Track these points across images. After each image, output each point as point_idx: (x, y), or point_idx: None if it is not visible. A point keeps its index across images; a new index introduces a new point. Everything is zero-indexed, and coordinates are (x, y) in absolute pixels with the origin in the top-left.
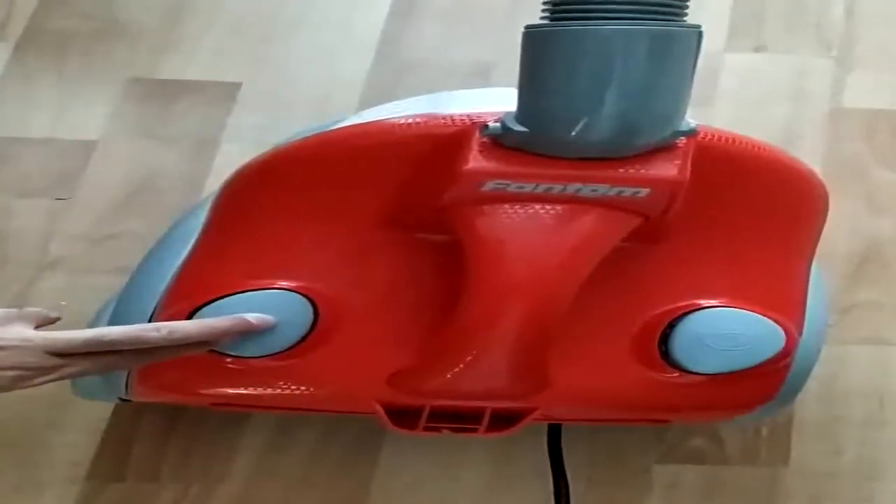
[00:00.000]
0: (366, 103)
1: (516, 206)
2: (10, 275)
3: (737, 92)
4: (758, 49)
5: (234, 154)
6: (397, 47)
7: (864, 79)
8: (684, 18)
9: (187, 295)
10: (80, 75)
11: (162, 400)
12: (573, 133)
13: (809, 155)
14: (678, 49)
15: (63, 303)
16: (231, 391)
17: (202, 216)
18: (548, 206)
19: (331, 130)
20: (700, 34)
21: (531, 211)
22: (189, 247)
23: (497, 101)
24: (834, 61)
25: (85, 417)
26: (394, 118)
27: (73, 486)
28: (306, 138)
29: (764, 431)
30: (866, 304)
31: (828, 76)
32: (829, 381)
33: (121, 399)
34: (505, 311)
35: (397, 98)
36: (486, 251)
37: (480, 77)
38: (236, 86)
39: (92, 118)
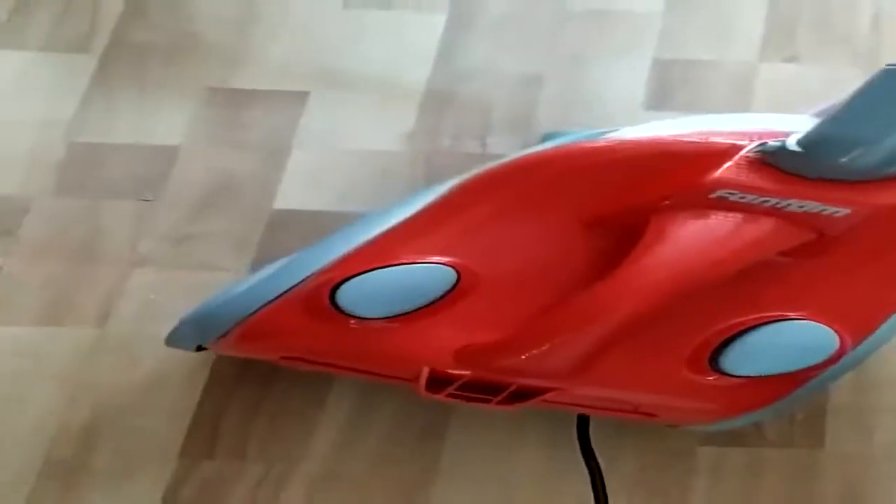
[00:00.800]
0: (426, 110)
1: (722, 214)
2: (102, 272)
3: (770, 101)
4: (790, 59)
5: (303, 159)
6: (453, 58)
7: None
8: None
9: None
10: (159, 86)
11: (251, 355)
12: (845, 159)
13: None
14: None
15: (152, 296)
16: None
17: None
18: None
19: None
20: None
21: (727, 221)
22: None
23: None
24: (862, 71)
25: (175, 400)
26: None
27: (168, 465)
28: (579, 146)
29: (799, 416)
30: None
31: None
32: (863, 369)
33: (199, 348)
34: (637, 300)
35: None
36: (661, 244)
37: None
38: (304, 94)
39: (172, 125)
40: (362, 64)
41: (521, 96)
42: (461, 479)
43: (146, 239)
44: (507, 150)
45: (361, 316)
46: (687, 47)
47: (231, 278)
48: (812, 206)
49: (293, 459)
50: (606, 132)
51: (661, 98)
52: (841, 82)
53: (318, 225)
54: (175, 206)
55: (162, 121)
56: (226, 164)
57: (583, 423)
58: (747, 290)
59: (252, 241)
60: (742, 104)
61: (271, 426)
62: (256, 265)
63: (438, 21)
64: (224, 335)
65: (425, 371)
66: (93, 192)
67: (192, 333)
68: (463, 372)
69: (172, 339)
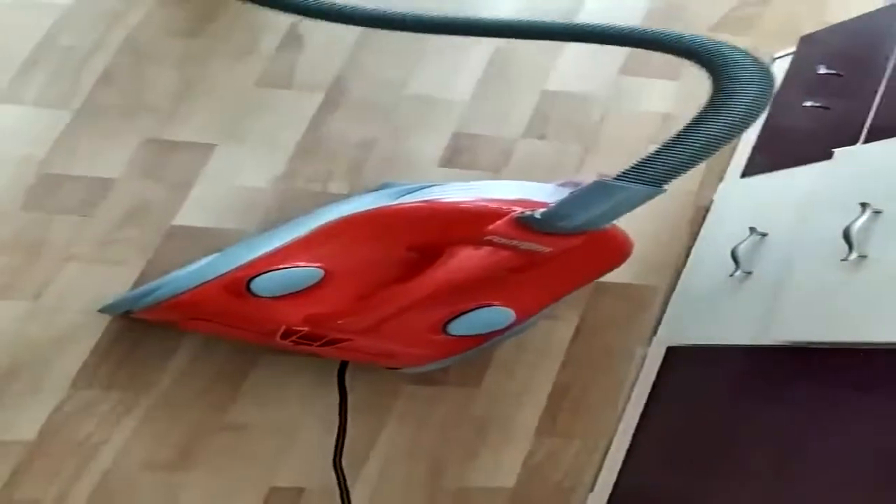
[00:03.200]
0: (293, 161)
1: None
2: (43, 263)
3: (520, 164)
4: (540, 137)
5: (201, 191)
6: (319, 125)
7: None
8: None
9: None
10: (113, 135)
11: (169, 321)
12: (561, 225)
13: None
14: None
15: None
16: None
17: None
18: (493, 248)
19: (425, 202)
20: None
21: (485, 249)
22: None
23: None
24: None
25: (75, 350)
26: (467, 198)
27: (59, 392)
28: (409, 204)
29: (475, 365)
30: None
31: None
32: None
33: (127, 312)
34: (432, 291)
35: None
36: (448, 262)
37: (367, 147)
38: (212, 146)
39: (114, 164)
40: (257, 126)
41: (359, 154)
42: (254, 401)
43: (80, 243)
44: (343, 190)
45: (262, 296)
46: (476, 125)
47: (133, 273)
48: (534, 246)
49: (138, 392)
50: (427, 186)
51: (449, 159)
52: (570, 155)
53: (201, 237)
54: (104, 220)
55: (108, 160)
56: (146, 192)
57: (343, 366)
58: (480, 287)
59: (153, 246)
60: (502, 166)
61: (133, 369)
62: (152, 262)
63: (317, 99)
64: (160, 304)
65: (282, 327)
66: (48, 209)
67: (129, 303)
68: (303, 328)
69: (107, 308)
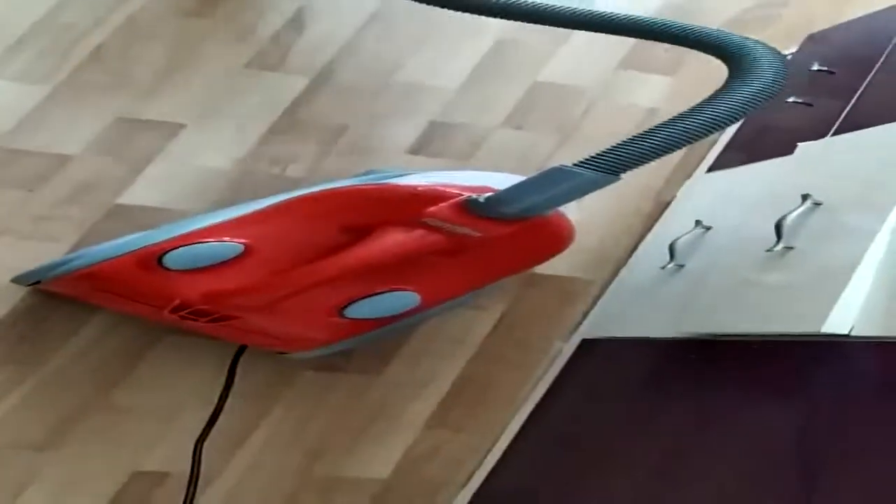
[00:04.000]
0: (261, 144)
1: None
2: None
3: (490, 153)
4: (517, 127)
5: (156, 171)
6: (297, 110)
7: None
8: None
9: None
10: (86, 113)
11: (75, 294)
12: (503, 210)
13: None
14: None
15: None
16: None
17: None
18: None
19: (365, 185)
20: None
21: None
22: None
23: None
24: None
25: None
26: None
27: None
28: (346, 187)
29: (377, 355)
30: None
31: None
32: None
33: (36, 283)
34: (340, 271)
35: None
36: (372, 241)
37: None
38: (181, 126)
39: (78, 141)
40: (234, 107)
41: (328, 139)
42: (144, 384)
43: (17, 217)
44: (301, 174)
45: (171, 268)
46: (456, 114)
47: (63, 249)
48: (466, 230)
49: (32, 368)
50: (405, 174)
51: (419, 147)
52: (542, 146)
53: (142, 215)
54: (46, 196)
55: (73, 137)
56: (99, 169)
57: (240, 351)
58: (394, 272)
59: (88, 224)
60: (470, 155)
61: (33, 345)
62: (85, 239)
63: (303, 83)
64: (69, 274)
65: (176, 301)
66: None
67: (40, 274)
68: (196, 304)
69: (18, 279)
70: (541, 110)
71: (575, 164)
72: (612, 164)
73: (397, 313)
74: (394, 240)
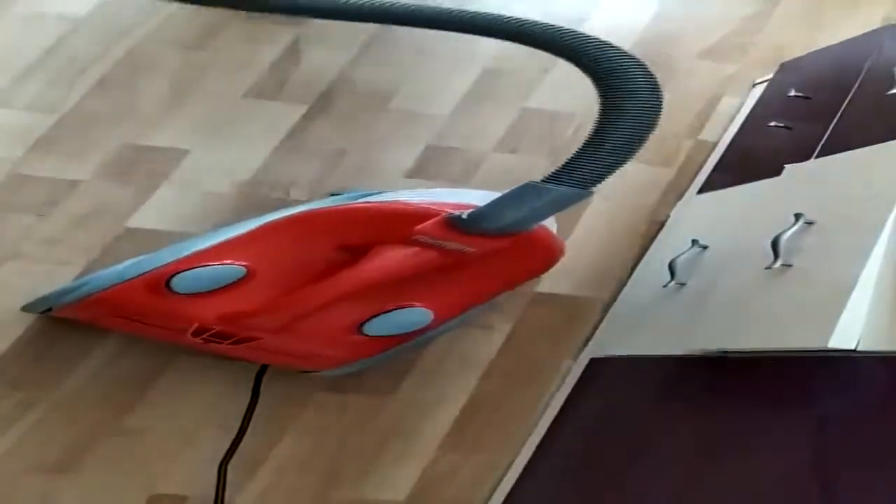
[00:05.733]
0: (263, 169)
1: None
2: None
3: (488, 175)
4: (512, 151)
5: (165, 195)
6: (298, 136)
7: None
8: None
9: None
10: (93, 140)
11: (89, 319)
12: (485, 226)
13: None
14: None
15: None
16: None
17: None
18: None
19: (355, 204)
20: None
21: (409, 249)
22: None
23: (445, 198)
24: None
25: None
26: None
27: None
28: (338, 207)
29: (392, 374)
30: None
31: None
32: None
33: (48, 311)
34: (350, 289)
35: None
36: (371, 260)
37: (337, 158)
38: (186, 151)
39: (85, 167)
40: (236, 134)
41: (328, 164)
42: (157, 406)
43: (27, 241)
44: (303, 198)
45: (180, 292)
46: (450, 138)
47: (73, 273)
48: (459, 247)
49: (44, 391)
50: (375, 193)
51: (417, 170)
52: (537, 168)
53: (150, 239)
54: (58, 220)
55: (81, 163)
56: (108, 195)
57: (262, 370)
58: (402, 288)
59: (98, 248)
60: (468, 177)
61: (45, 368)
62: (95, 263)
63: (301, 110)
64: (80, 301)
65: (195, 325)
66: (6, 208)
67: (51, 301)
68: (215, 327)
69: (29, 306)
70: (533, 134)
71: (543, 180)
72: (581, 178)
73: (414, 329)
74: (394, 258)
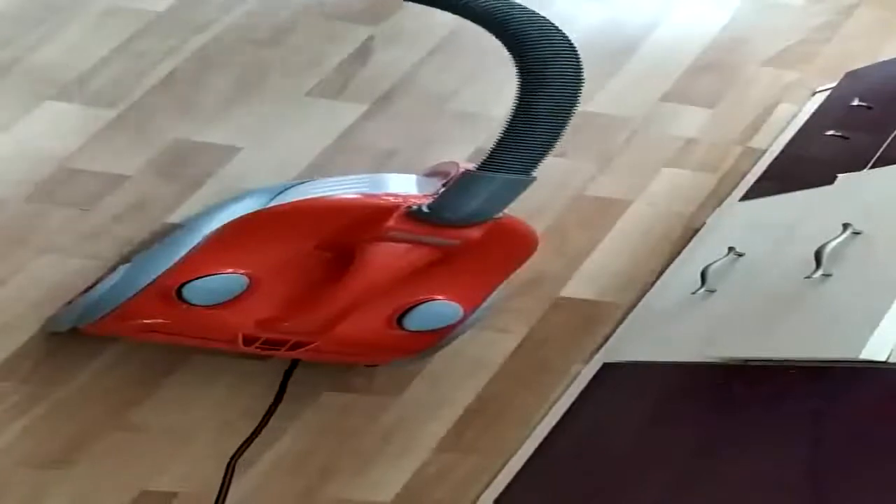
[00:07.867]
0: (310, 168)
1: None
2: (22, 253)
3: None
4: (560, 155)
5: (207, 191)
6: (352, 135)
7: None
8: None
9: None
10: (149, 135)
11: (119, 334)
12: (449, 216)
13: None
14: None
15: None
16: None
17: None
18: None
19: (306, 199)
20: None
21: (399, 246)
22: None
23: (404, 186)
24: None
25: (13, 341)
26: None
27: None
28: (290, 203)
29: (399, 375)
30: None
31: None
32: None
33: (75, 328)
34: (363, 290)
35: None
36: (368, 260)
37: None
38: (237, 149)
39: (134, 162)
40: (291, 133)
41: (377, 163)
42: (161, 403)
43: (66, 235)
44: None
45: (193, 304)
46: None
47: (104, 268)
48: (437, 240)
49: (51, 387)
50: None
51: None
52: (581, 172)
53: None
54: (100, 215)
55: (132, 159)
56: (153, 189)
57: (291, 368)
58: (416, 283)
59: (133, 243)
60: None
61: (55, 364)
62: (125, 257)
63: (360, 110)
64: (102, 318)
65: (240, 335)
66: (52, 201)
67: (71, 319)
68: (262, 334)
69: (49, 326)
70: (585, 139)
71: (479, 167)
72: (516, 163)
73: (450, 323)
74: (392, 255)
